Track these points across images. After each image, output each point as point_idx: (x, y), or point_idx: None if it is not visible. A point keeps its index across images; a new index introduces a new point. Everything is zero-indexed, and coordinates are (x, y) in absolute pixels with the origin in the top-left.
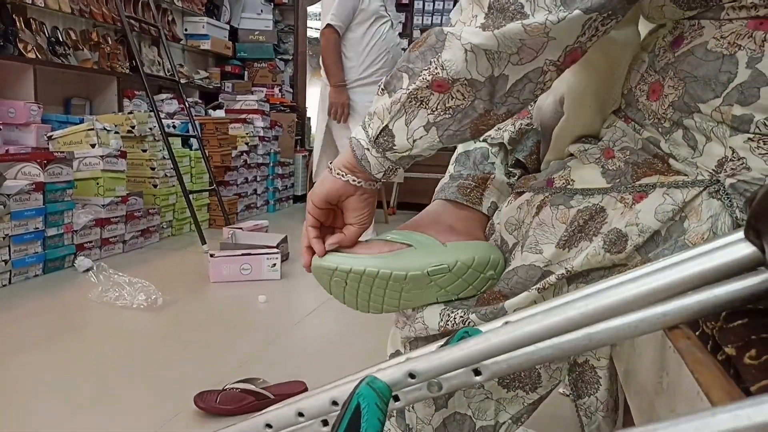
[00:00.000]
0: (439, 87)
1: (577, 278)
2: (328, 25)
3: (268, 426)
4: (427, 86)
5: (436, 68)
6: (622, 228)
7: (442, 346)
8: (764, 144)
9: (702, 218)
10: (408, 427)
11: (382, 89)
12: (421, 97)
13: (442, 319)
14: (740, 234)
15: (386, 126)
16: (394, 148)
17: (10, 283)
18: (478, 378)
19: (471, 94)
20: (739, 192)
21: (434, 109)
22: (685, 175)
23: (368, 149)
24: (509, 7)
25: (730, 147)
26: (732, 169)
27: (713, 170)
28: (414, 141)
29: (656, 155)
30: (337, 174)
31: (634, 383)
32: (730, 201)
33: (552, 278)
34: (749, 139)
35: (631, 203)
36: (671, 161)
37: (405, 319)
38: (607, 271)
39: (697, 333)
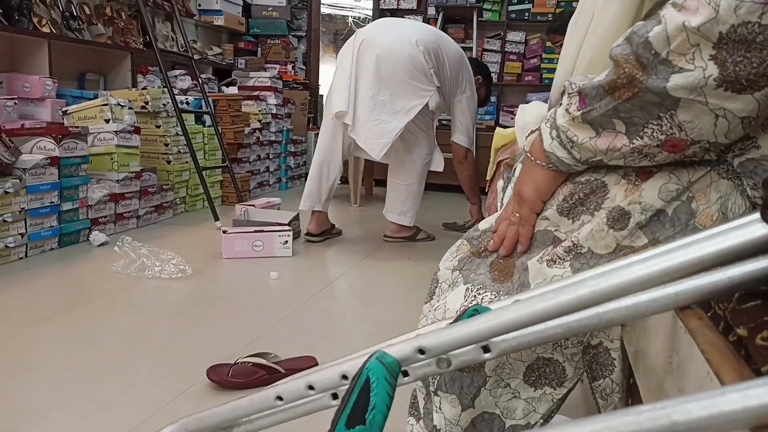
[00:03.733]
0: (672, 147)
1: (585, 266)
2: None
3: (279, 398)
4: (657, 145)
5: (671, 128)
6: (624, 206)
7: (451, 323)
8: None
9: (710, 199)
10: (435, 429)
11: (581, 121)
12: (647, 153)
13: (466, 299)
14: (756, 215)
15: (601, 160)
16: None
17: (26, 256)
18: (487, 355)
19: (709, 153)
20: (748, 170)
21: (659, 162)
22: (693, 155)
23: (576, 165)
24: (750, 37)
25: None
26: (740, 148)
27: (721, 151)
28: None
29: None
30: (550, 168)
31: (643, 363)
32: (740, 180)
33: (561, 251)
34: None
35: (635, 180)
36: None
37: (428, 311)
38: (613, 255)
39: (708, 314)
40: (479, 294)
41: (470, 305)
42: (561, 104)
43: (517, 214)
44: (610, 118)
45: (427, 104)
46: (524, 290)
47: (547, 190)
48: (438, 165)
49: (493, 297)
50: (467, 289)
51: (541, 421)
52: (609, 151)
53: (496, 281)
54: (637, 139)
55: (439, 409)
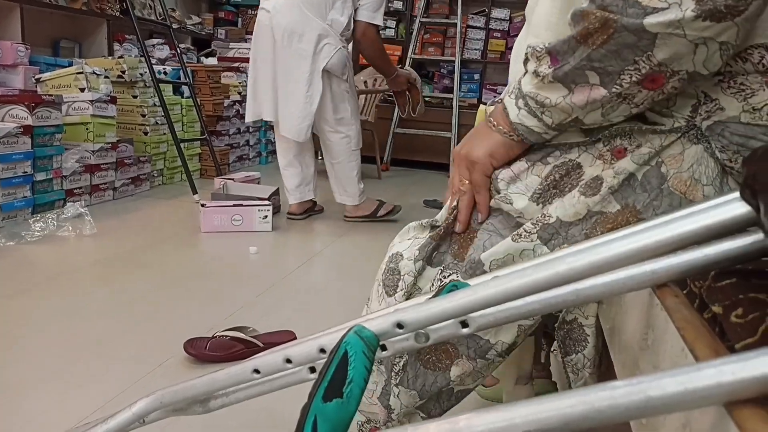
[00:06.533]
0: (652, 82)
1: (555, 236)
2: None
3: (256, 371)
4: (637, 82)
5: (650, 69)
6: (599, 173)
7: (430, 297)
8: (734, 83)
9: (682, 167)
10: (390, 407)
11: (552, 79)
12: (626, 95)
13: (434, 285)
14: (735, 194)
15: (577, 118)
16: (581, 124)
17: None
18: (465, 330)
19: (690, 85)
20: (716, 133)
21: (639, 104)
22: (662, 124)
23: (546, 133)
24: None
25: (701, 91)
26: (707, 111)
27: (688, 116)
28: (611, 121)
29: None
30: (510, 136)
31: (619, 340)
32: (709, 143)
33: (528, 225)
34: (719, 81)
35: (610, 160)
36: (647, 113)
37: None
38: (584, 223)
39: (684, 292)
40: (445, 276)
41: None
42: (526, 72)
43: (467, 181)
44: (583, 71)
45: (328, 73)
46: (475, 267)
47: (501, 158)
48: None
49: (457, 278)
50: (437, 271)
51: (482, 382)
52: (588, 104)
53: (457, 257)
54: (615, 88)
55: (397, 396)
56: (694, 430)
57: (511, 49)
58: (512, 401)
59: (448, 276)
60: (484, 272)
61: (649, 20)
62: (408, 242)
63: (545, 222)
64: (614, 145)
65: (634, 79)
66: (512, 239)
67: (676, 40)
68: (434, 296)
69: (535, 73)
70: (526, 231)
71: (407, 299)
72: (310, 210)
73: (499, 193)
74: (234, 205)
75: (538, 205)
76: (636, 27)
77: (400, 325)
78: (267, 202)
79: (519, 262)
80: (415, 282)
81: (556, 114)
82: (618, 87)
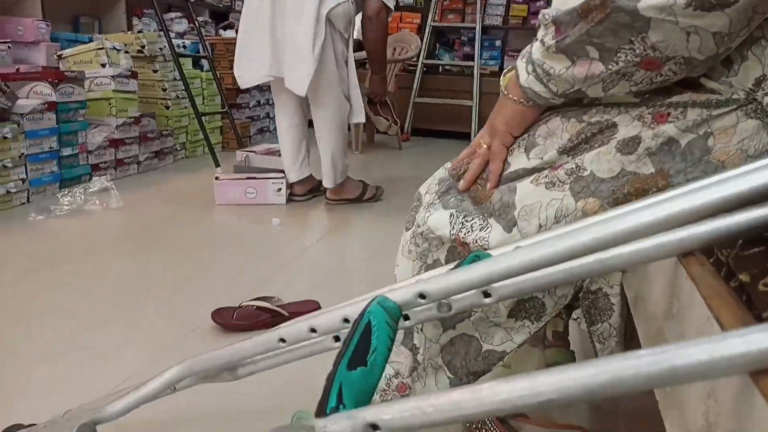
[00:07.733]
0: (649, 65)
1: (585, 189)
2: None
3: (282, 340)
4: (634, 65)
5: (644, 50)
6: (636, 134)
7: (452, 268)
8: None
9: (732, 141)
10: (415, 347)
11: (556, 50)
12: (624, 73)
13: (453, 227)
14: (766, 161)
15: (580, 89)
16: (585, 96)
17: (28, 201)
18: (487, 300)
19: (686, 70)
20: None
21: (638, 82)
22: (719, 93)
23: (554, 99)
24: None
25: None
26: None
27: (750, 89)
28: (609, 93)
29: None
30: (520, 102)
31: (643, 309)
32: None
33: (562, 174)
34: None
35: (650, 123)
36: (703, 80)
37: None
38: (615, 181)
39: (711, 260)
40: (467, 221)
41: (460, 233)
42: (536, 38)
43: (485, 146)
44: (583, 45)
45: (331, 24)
46: (507, 211)
47: (516, 125)
48: (357, 116)
49: (482, 223)
50: (451, 215)
51: (517, 348)
52: (587, 78)
53: (476, 203)
54: (612, 65)
55: (420, 330)
56: (719, 399)
57: (534, 14)
58: (519, 361)
59: (471, 222)
60: (513, 216)
61: (643, 4)
62: (429, 180)
63: (579, 174)
64: (658, 109)
65: (629, 58)
66: (546, 187)
67: (668, 26)
68: (456, 266)
69: (542, 42)
70: (559, 180)
71: (415, 230)
72: (315, 189)
73: (534, 148)
74: (247, 178)
75: (568, 156)
76: (630, 10)
77: (422, 296)
78: (281, 175)
79: (546, 211)
80: (426, 218)
81: (560, 83)
82: (614, 64)
